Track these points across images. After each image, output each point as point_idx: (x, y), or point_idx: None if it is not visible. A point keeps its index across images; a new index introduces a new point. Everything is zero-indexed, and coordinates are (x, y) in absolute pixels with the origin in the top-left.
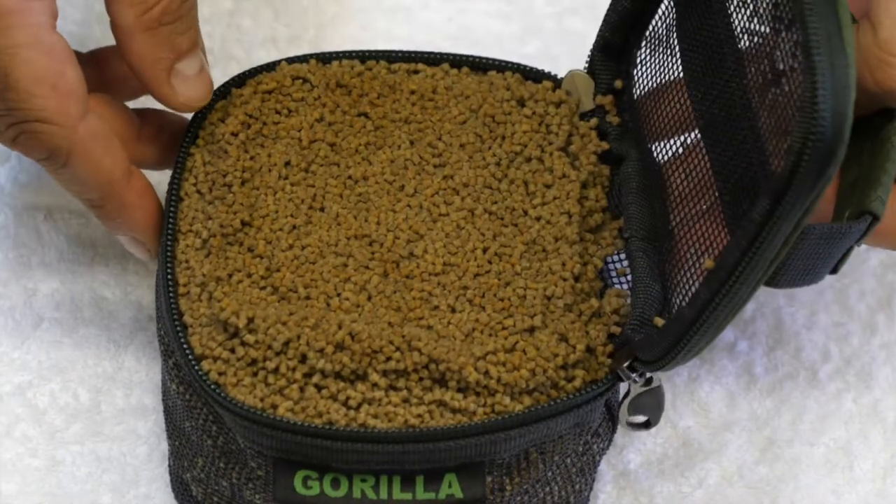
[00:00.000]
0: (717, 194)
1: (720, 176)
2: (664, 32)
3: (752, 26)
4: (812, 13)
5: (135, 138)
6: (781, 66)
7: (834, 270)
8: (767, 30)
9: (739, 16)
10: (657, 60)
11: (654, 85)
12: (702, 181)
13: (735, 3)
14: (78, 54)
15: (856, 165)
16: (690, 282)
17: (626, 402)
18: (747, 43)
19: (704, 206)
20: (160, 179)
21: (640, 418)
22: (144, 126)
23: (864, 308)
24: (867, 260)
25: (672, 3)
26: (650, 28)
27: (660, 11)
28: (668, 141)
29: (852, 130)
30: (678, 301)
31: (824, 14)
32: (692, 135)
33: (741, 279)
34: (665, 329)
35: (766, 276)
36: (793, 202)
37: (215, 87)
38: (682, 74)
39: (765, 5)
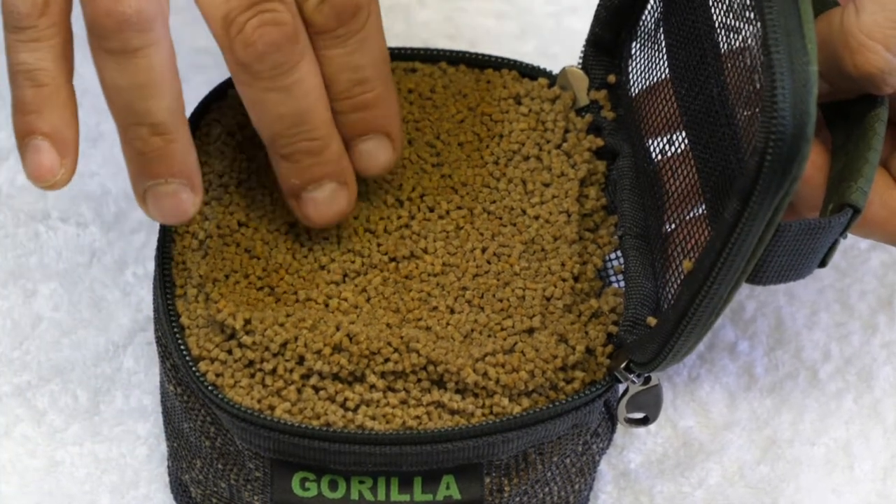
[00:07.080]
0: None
1: (703, 174)
2: (653, 27)
3: (729, 21)
4: (771, 9)
5: None
6: (752, 63)
7: (822, 264)
8: (741, 25)
9: (716, 11)
10: (646, 56)
11: (646, 81)
12: (695, 182)
13: None
14: None
15: (843, 154)
16: (675, 283)
17: (625, 400)
18: (725, 38)
19: (700, 209)
20: None
21: (638, 415)
22: None
23: (865, 308)
24: (868, 259)
25: None
26: (640, 23)
27: (648, 6)
28: (663, 138)
29: (840, 118)
30: (666, 302)
31: (784, 10)
32: (684, 133)
33: (718, 280)
34: (654, 330)
35: (746, 275)
36: (760, 202)
37: (214, 86)
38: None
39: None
